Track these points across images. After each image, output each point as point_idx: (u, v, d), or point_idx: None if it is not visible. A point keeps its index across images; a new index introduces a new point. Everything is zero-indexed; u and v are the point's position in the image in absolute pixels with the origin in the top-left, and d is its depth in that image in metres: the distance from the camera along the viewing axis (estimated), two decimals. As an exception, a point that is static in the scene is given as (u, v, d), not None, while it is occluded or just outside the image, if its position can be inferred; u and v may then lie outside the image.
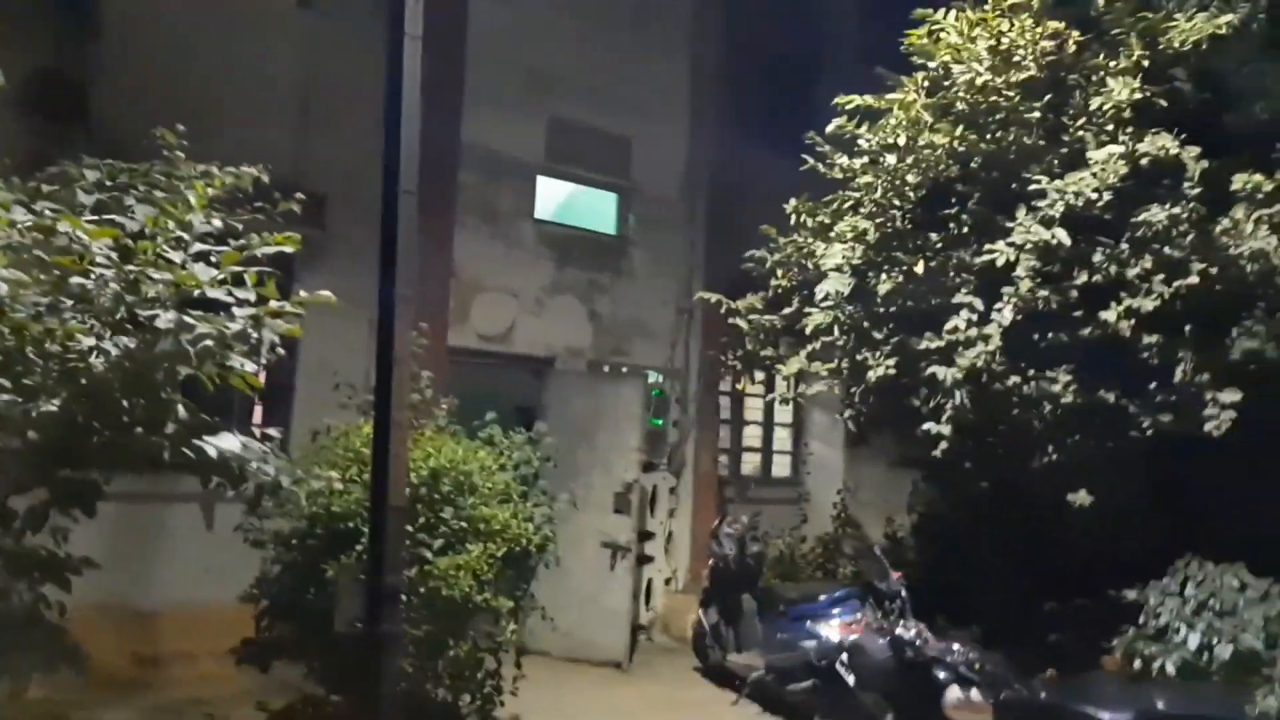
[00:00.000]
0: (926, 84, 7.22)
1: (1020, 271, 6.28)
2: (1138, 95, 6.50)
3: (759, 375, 8.86)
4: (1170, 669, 5.67)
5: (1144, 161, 6.33)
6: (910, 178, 7.09)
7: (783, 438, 11.44)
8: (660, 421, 9.71)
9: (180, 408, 3.29)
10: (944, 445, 6.39)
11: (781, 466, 11.40)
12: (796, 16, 11.38)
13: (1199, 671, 5.60)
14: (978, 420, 6.40)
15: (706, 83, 10.60)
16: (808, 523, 10.64)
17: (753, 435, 11.27)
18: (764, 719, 6.35)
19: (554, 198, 9.81)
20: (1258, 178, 6.26)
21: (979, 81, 6.82)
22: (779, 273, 7.91)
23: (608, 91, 9.66)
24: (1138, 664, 5.80)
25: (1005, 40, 6.81)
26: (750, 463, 11.23)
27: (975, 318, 6.39)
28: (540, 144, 9.44)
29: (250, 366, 3.48)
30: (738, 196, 10.18)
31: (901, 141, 7.07)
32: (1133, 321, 6.06)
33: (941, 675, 4.81)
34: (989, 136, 6.87)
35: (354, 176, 7.16)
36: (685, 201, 10.46)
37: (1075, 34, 6.83)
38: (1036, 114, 6.77)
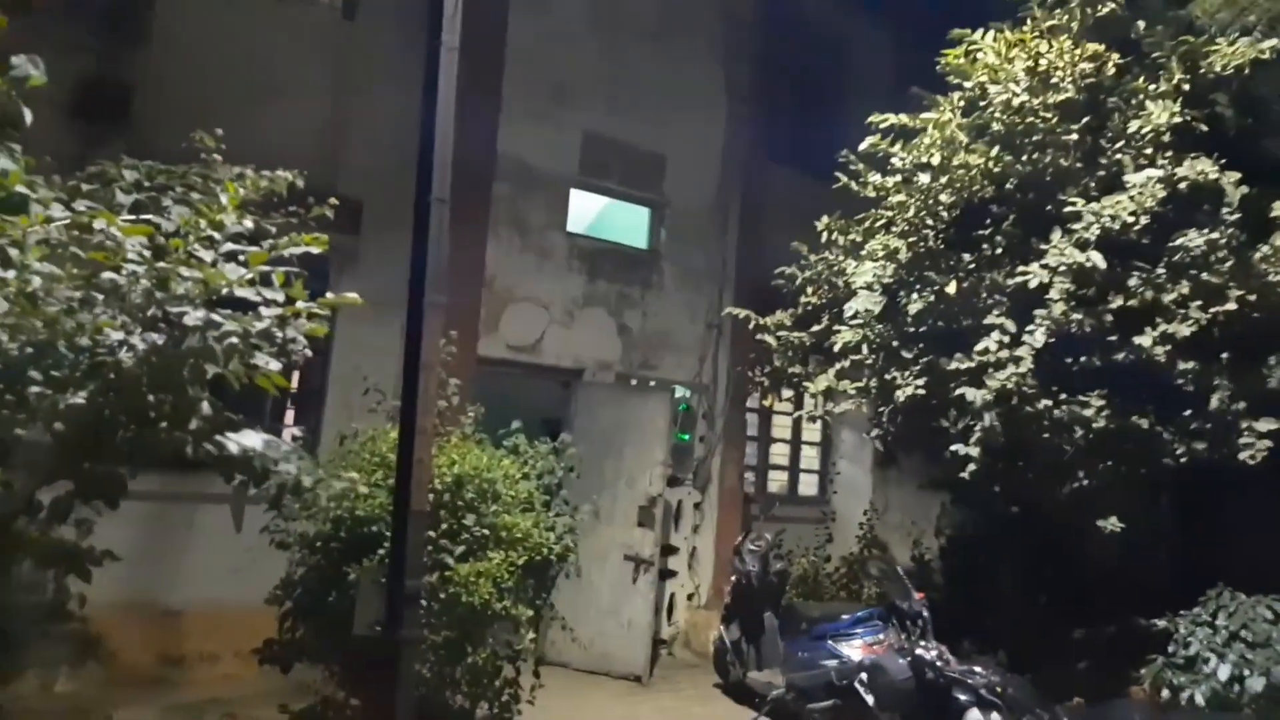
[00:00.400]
0: (962, 104, 7.18)
1: (1054, 294, 6.21)
2: (1177, 119, 6.45)
3: (787, 392, 8.82)
4: (1200, 700, 5.57)
5: (1182, 186, 6.27)
6: (944, 197, 7.05)
7: (810, 456, 11.37)
8: (687, 436, 9.69)
9: (205, 404, 3.34)
10: (973, 467, 6.32)
11: (808, 485, 11.32)
12: (830, 34, 11.41)
13: (1229, 703, 5.48)
14: (1007, 443, 6.31)
15: (740, 99, 10.62)
16: (833, 542, 10.56)
17: (780, 453, 11.21)
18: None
19: (587, 211, 9.86)
20: (1298, 203, 6.19)
21: (1016, 102, 6.77)
22: (809, 290, 7.89)
23: (642, 106, 9.71)
24: (1166, 694, 5.70)
25: (1043, 61, 6.76)
26: (777, 480, 11.17)
27: (1007, 339, 6.31)
28: (574, 157, 9.50)
29: (275, 366, 3.51)
30: (769, 212, 10.19)
31: (936, 161, 7.03)
32: (1168, 347, 5.97)
33: (962, 698, 4.74)
34: (1025, 158, 6.82)
35: (390, 183, 7.24)
36: (717, 217, 10.46)
37: (1115, 56, 6.77)
38: (1074, 136, 6.71)
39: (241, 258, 3.67)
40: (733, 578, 8.06)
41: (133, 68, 7.00)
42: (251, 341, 3.48)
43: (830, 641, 6.23)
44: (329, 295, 3.86)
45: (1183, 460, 5.97)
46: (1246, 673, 5.53)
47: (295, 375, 7.59)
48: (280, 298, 3.72)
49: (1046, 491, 6.41)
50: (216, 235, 3.75)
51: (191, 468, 3.54)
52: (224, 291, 3.59)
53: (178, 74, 7.04)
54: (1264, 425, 5.72)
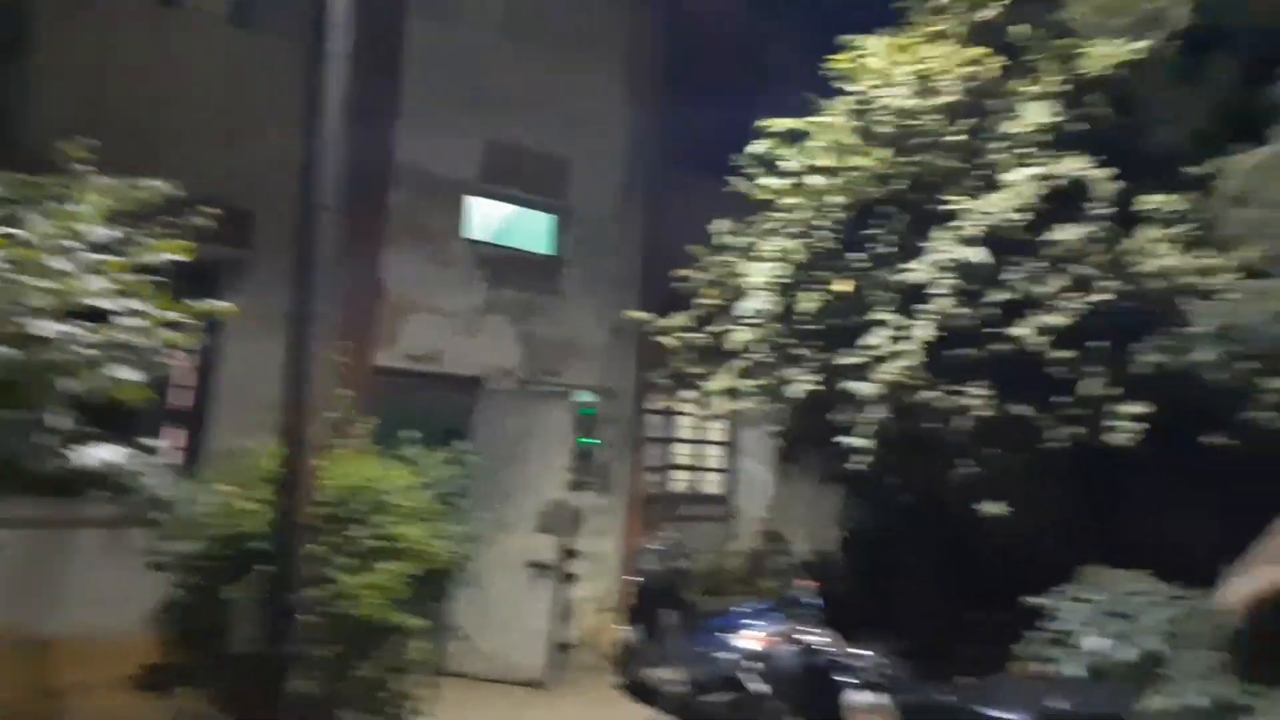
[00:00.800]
0: (852, 108, 7.33)
1: (939, 289, 6.41)
2: (1053, 119, 6.69)
3: (690, 393, 8.89)
4: (1073, 671, 5.79)
5: (1059, 183, 6.50)
6: (834, 199, 7.19)
7: (713, 456, 11.45)
8: (591, 441, 9.66)
9: (59, 418, 3.22)
10: (867, 459, 6.49)
11: (712, 484, 11.40)
12: (737, 39, 11.54)
13: (1100, 673, 5.72)
14: (899, 434, 6.48)
15: (645, 104, 10.68)
16: (736, 539, 10.64)
17: (683, 453, 11.27)
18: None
19: (490, 218, 9.79)
20: (1165, 198, 6.48)
21: (902, 106, 6.96)
22: (707, 291, 7.95)
23: (546, 113, 9.70)
24: (1042, 667, 5.93)
25: (928, 66, 6.96)
26: (681, 481, 11.22)
27: (896, 334, 6.49)
28: (476, 164, 9.44)
29: (136, 377, 3.40)
30: (675, 216, 10.23)
31: (826, 163, 7.18)
32: (1047, 337, 6.18)
33: (848, 681, 4.87)
34: (912, 159, 7.00)
35: (285, 195, 7.07)
36: (623, 222, 10.49)
37: (996, 60, 7.00)
38: (957, 137, 6.91)
39: (101, 268, 3.56)
40: (636, 579, 8.08)
41: (13, 80, 6.71)
42: (111, 353, 3.37)
43: (729, 635, 6.27)
44: (191, 302, 3.76)
45: (1062, 445, 6.19)
46: (1116, 644, 5.77)
47: (187, 391, 7.39)
48: (143, 308, 3.61)
49: (939, 480, 6.59)
50: (75, 245, 3.62)
51: (68, 492, 3.41)
52: (84, 303, 3.47)
53: (63, 86, 6.78)
54: (1137, 409, 5.96)
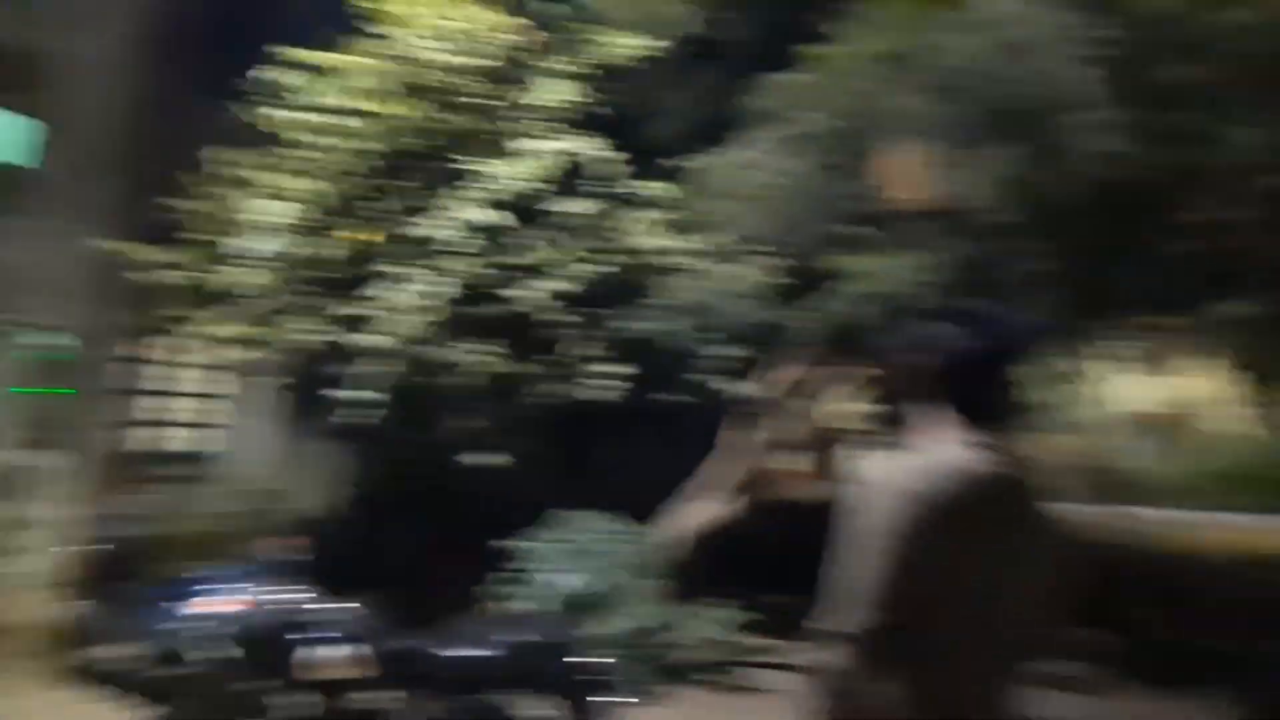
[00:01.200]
0: (384, 53, 7.10)
1: (456, 247, 6.50)
2: (574, 98, 7.06)
3: (181, 340, 8.02)
4: (534, 605, 6.22)
5: (573, 159, 6.88)
6: (355, 144, 6.95)
7: (204, 408, 10.44)
8: (48, 389, 8.28)
9: None
10: (375, 412, 6.44)
11: (202, 440, 10.37)
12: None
13: (566, 605, 6.18)
14: (409, 388, 6.49)
15: (156, 13, 9.37)
16: (225, 499, 9.81)
17: (168, 406, 10.12)
18: (134, 713, 5.66)
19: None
20: (661, 185, 7.16)
21: (432, 60, 6.94)
22: (204, 227, 7.19)
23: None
24: (504, 605, 6.31)
25: (465, 26, 6.99)
26: (166, 437, 10.05)
27: (414, 288, 6.45)
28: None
29: None
30: (179, 141, 9.13)
31: (346, 104, 6.92)
32: (553, 301, 6.52)
33: (324, 636, 4.72)
34: (442, 116, 6.96)
35: None
36: (114, 139, 9.08)
37: (531, 34, 7.22)
38: (487, 100, 7.01)
39: None
40: (96, 546, 7.07)
41: None
42: None
43: (195, 602, 5.75)
44: None
45: (548, 400, 6.64)
46: (576, 578, 6.34)
47: None
48: None
49: (446, 433, 6.70)
50: None
51: None
52: None
53: None
54: (622, 369, 6.60)
